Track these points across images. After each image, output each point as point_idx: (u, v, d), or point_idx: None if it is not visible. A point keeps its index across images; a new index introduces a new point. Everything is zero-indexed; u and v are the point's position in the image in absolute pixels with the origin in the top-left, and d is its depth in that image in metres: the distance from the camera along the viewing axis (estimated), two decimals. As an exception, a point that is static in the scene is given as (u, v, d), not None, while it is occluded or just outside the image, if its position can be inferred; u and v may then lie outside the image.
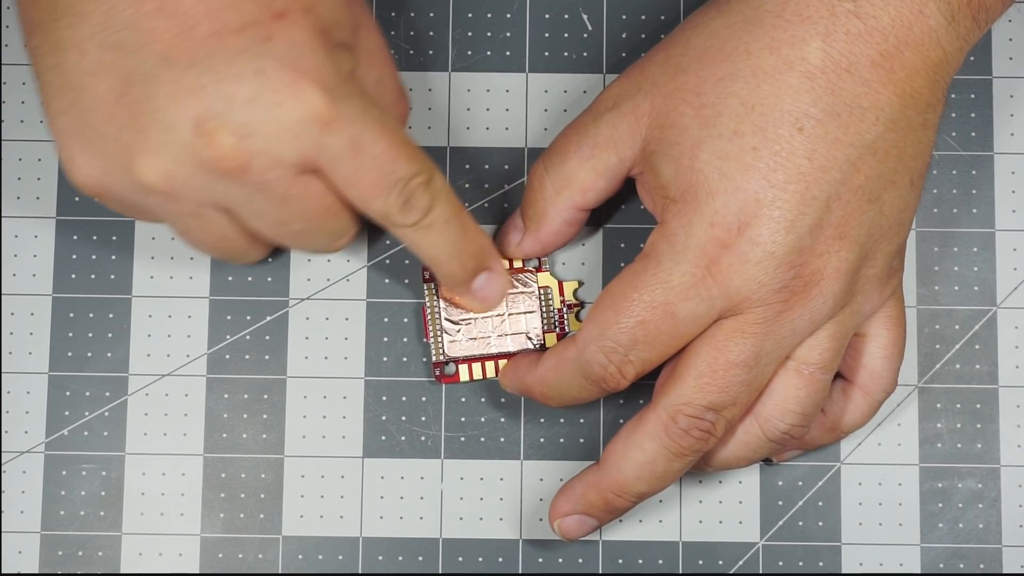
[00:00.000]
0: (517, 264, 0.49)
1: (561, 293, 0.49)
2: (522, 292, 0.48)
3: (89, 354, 0.50)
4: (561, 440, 0.50)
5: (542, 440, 0.49)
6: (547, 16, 0.50)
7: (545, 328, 0.49)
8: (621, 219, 0.48)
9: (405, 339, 0.49)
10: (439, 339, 0.49)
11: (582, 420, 0.49)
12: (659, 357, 0.43)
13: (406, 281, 0.50)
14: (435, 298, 0.49)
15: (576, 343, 0.44)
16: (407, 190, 0.41)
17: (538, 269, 0.49)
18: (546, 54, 0.50)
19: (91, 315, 0.50)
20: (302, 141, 0.39)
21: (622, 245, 0.50)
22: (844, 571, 0.49)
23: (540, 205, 0.46)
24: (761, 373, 0.43)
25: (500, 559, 0.49)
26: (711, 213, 0.41)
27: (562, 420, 0.50)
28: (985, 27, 0.43)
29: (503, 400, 0.49)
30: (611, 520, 0.46)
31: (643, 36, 0.50)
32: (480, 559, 0.49)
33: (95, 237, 0.50)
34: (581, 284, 0.50)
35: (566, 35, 0.50)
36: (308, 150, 0.39)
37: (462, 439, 0.49)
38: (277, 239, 0.43)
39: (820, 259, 0.41)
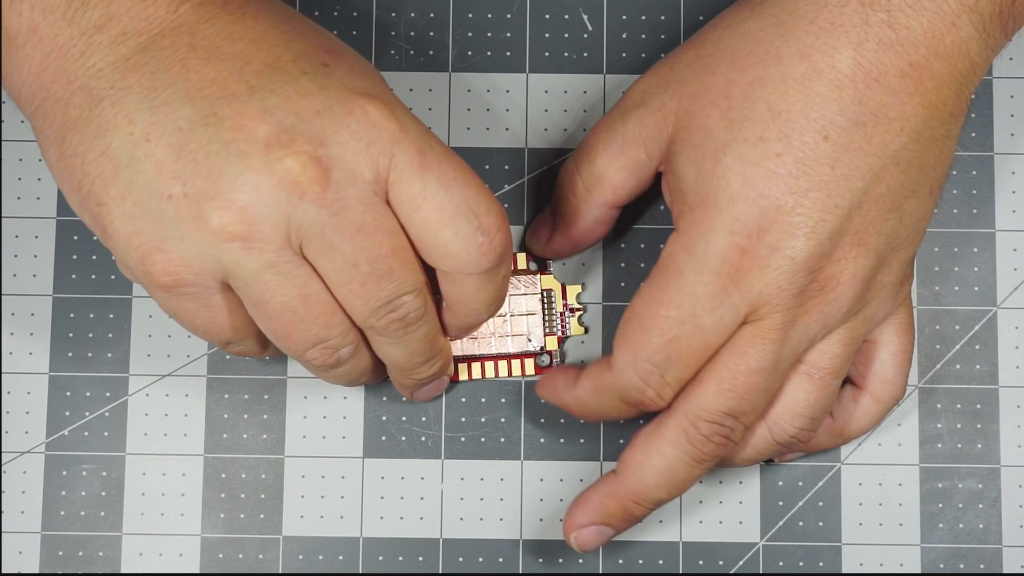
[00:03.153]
0: (521, 265, 0.49)
1: (564, 296, 0.49)
2: (525, 294, 0.48)
3: (89, 354, 0.50)
4: (561, 440, 0.50)
5: (542, 440, 0.49)
6: (547, 16, 0.50)
7: (546, 331, 0.49)
8: (621, 219, 0.48)
9: (405, 339, 0.49)
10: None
11: (582, 420, 0.49)
12: (693, 372, 0.43)
13: (406, 281, 0.50)
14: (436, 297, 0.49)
15: (612, 368, 0.43)
16: (482, 226, 0.40)
17: (542, 272, 0.49)
18: (546, 54, 0.50)
19: (91, 315, 0.50)
20: (374, 151, 0.38)
21: (622, 245, 0.50)
22: (844, 571, 0.49)
23: (572, 203, 0.46)
24: (777, 378, 0.43)
25: (500, 559, 0.49)
26: (731, 220, 0.41)
27: (562, 421, 0.50)
28: (1012, 36, 0.42)
29: (503, 400, 0.49)
30: (626, 528, 0.46)
31: (643, 36, 0.50)
32: (480, 559, 0.49)
33: (95, 237, 0.50)
34: (584, 288, 0.49)
35: (566, 35, 0.50)
36: (381, 162, 0.38)
37: (462, 439, 0.49)
38: (344, 297, 0.40)
39: (837, 265, 0.41)
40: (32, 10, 0.39)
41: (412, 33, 0.50)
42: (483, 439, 0.49)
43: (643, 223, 0.50)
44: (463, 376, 0.49)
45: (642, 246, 0.50)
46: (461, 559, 0.49)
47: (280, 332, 0.40)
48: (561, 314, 0.49)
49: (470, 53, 0.50)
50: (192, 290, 0.39)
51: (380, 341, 0.42)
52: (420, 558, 0.49)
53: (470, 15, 0.50)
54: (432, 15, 0.50)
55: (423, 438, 0.49)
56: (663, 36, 0.50)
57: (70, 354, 0.50)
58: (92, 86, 0.38)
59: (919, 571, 0.49)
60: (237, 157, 0.37)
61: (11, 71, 0.40)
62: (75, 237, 0.50)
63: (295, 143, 0.37)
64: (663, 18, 0.50)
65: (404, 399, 0.49)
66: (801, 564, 0.49)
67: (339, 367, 0.42)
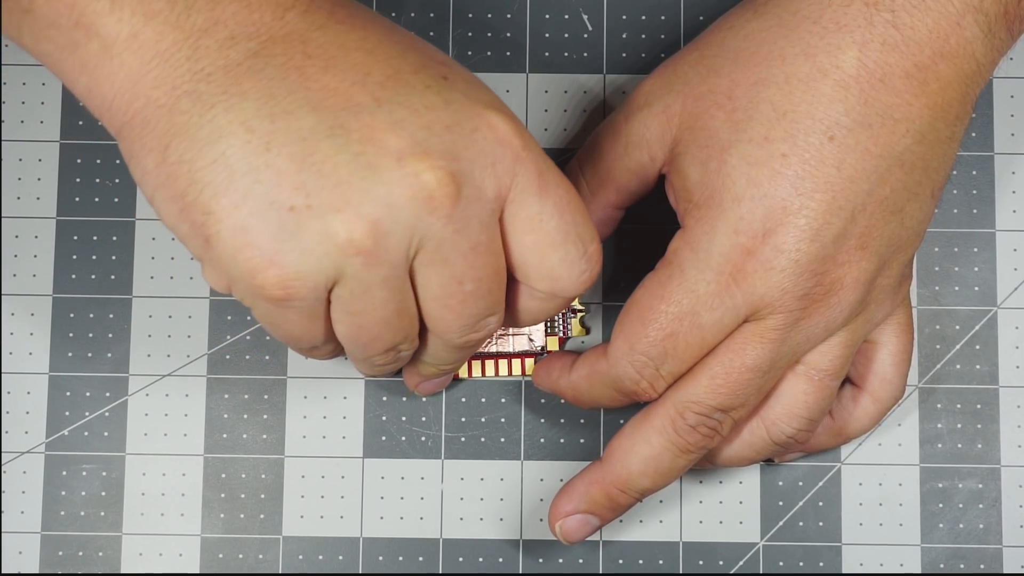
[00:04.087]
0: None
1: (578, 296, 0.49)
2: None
3: (89, 354, 0.50)
4: (561, 440, 0.50)
5: (542, 440, 0.49)
6: (547, 16, 0.50)
7: (547, 331, 0.49)
8: (622, 219, 0.48)
9: (405, 339, 0.49)
10: (439, 339, 0.49)
11: (582, 420, 0.49)
12: (688, 367, 0.43)
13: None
14: None
15: (607, 357, 0.44)
16: (587, 254, 0.40)
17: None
18: (546, 54, 0.50)
19: (91, 315, 0.50)
20: (499, 169, 0.38)
21: (622, 244, 0.50)
22: (844, 571, 0.49)
23: None
24: (772, 377, 0.43)
25: (500, 559, 0.49)
26: (736, 219, 0.41)
27: (562, 420, 0.50)
28: (1018, 37, 0.42)
29: (503, 400, 0.49)
30: (612, 519, 0.46)
31: (643, 36, 0.50)
32: (480, 559, 0.49)
33: (95, 237, 0.50)
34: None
35: (566, 35, 0.50)
36: (504, 180, 0.38)
37: (462, 439, 0.49)
38: (438, 311, 0.39)
39: (841, 268, 0.41)
40: (133, 15, 0.37)
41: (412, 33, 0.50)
42: (483, 439, 0.49)
43: (644, 223, 0.50)
44: (463, 374, 0.49)
45: (643, 246, 0.50)
46: (461, 559, 0.49)
47: (364, 340, 0.40)
48: (563, 314, 0.49)
49: (470, 53, 0.50)
50: (302, 303, 0.38)
51: (441, 347, 0.42)
52: (420, 558, 0.49)
53: (470, 15, 0.50)
54: (432, 15, 0.50)
55: (423, 438, 0.49)
56: (663, 36, 0.50)
57: (70, 354, 0.50)
58: (201, 91, 0.37)
59: (919, 571, 0.49)
60: (368, 169, 0.36)
61: (102, 82, 0.38)
62: (75, 237, 0.50)
63: (430, 156, 0.36)
64: (663, 18, 0.50)
65: (404, 398, 0.49)
66: (801, 564, 0.49)
67: (392, 365, 0.42)
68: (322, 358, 0.43)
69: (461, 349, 0.42)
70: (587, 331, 0.49)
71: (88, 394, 0.49)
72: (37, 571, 0.49)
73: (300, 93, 0.37)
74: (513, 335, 0.49)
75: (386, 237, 0.36)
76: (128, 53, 0.37)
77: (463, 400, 0.49)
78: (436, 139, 0.37)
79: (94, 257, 0.50)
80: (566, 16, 0.50)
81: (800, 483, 0.49)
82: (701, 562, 0.49)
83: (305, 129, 0.36)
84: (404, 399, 0.49)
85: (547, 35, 0.50)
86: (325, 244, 0.36)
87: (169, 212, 0.38)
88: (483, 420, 0.49)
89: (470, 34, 0.50)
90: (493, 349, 0.49)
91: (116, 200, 0.50)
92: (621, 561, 0.49)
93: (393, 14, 0.50)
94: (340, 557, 0.49)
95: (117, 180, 0.50)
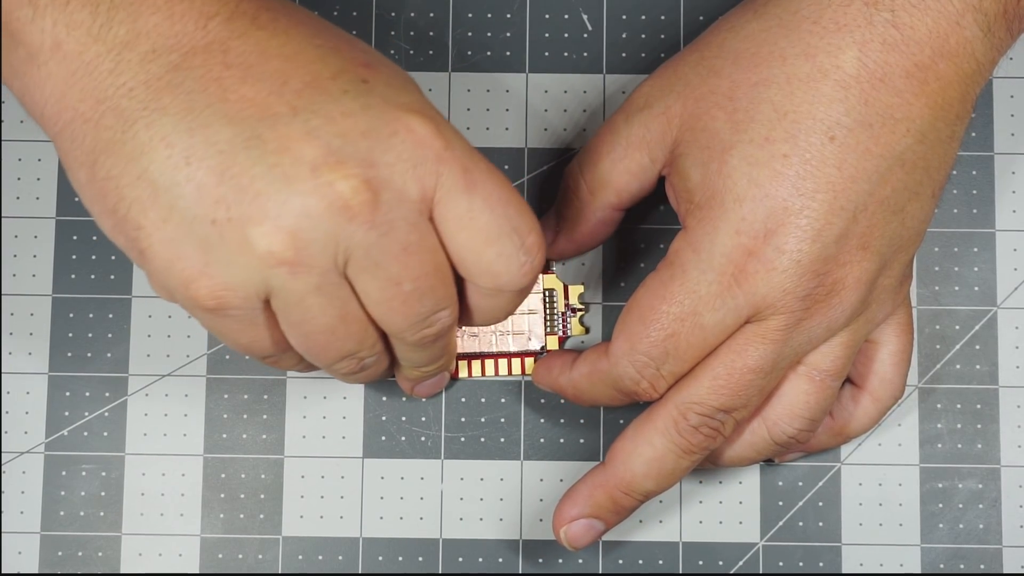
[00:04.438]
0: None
1: (566, 296, 0.49)
2: (521, 303, 0.48)
3: (89, 354, 0.50)
4: (561, 440, 0.50)
5: (542, 440, 0.49)
6: (547, 16, 0.50)
7: (547, 330, 0.49)
8: (623, 219, 0.48)
9: (405, 339, 0.49)
10: (439, 339, 0.49)
11: (582, 420, 0.49)
12: (689, 368, 0.43)
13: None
14: None
15: (608, 356, 0.44)
16: (525, 246, 0.40)
17: (545, 271, 0.49)
18: (546, 54, 0.50)
19: (91, 315, 0.50)
20: (420, 171, 0.37)
21: (623, 245, 0.50)
22: (844, 571, 0.49)
23: (576, 206, 0.46)
24: (775, 378, 0.43)
25: (500, 559, 0.49)
26: (737, 220, 0.41)
27: (562, 420, 0.50)
28: (1018, 36, 0.42)
29: (503, 400, 0.49)
30: (617, 523, 0.46)
31: (643, 36, 0.50)
32: (480, 559, 0.49)
33: (95, 237, 0.50)
34: (586, 288, 0.49)
35: (566, 35, 0.50)
36: (427, 181, 0.38)
37: (462, 439, 0.49)
38: (383, 314, 0.39)
39: (843, 269, 0.41)
40: (55, 26, 0.37)
41: (412, 33, 0.50)
42: (483, 439, 0.49)
43: (645, 223, 0.50)
44: (463, 373, 0.49)
45: (643, 246, 0.50)
46: (461, 559, 0.49)
47: (315, 349, 0.40)
48: (563, 314, 0.49)
49: (470, 53, 0.50)
50: (237, 312, 0.38)
51: (404, 348, 0.42)
52: (420, 558, 0.49)
53: (470, 15, 0.50)
54: (432, 15, 0.50)
55: (423, 438, 0.49)
56: (663, 36, 0.50)
57: (70, 354, 0.50)
58: (124, 106, 0.37)
59: (919, 571, 0.49)
60: (283, 181, 0.36)
61: (33, 89, 0.38)
62: (75, 237, 0.50)
63: (344, 165, 0.36)
64: (663, 18, 0.51)
65: (404, 398, 0.49)
66: (801, 564, 0.49)
67: (362, 372, 0.42)
68: (290, 369, 0.43)
69: (423, 347, 0.41)
70: (587, 330, 0.49)
71: (88, 394, 0.49)
72: (37, 571, 0.49)
73: (218, 105, 0.36)
74: (513, 335, 0.49)
75: (307, 247, 0.37)
76: (53, 63, 0.37)
77: (463, 400, 0.49)
78: (351, 147, 0.37)
79: (94, 257, 0.50)
80: (566, 16, 0.50)
81: (800, 483, 0.49)
82: (701, 562, 0.49)
83: (223, 142, 0.36)
84: (404, 399, 0.49)
85: (547, 35, 0.50)
86: (247, 256, 0.37)
87: (105, 225, 0.38)
88: (483, 420, 0.49)
89: (470, 34, 0.50)
90: (493, 349, 0.49)
91: (116, 200, 0.50)
92: (621, 561, 0.49)
93: (392, 14, 0.50)
94: (340, 557, 0.49)
95: (117, 180, 0.50)
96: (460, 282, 0.41)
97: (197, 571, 0.49)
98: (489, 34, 0.50)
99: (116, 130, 0.37)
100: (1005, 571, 0.49)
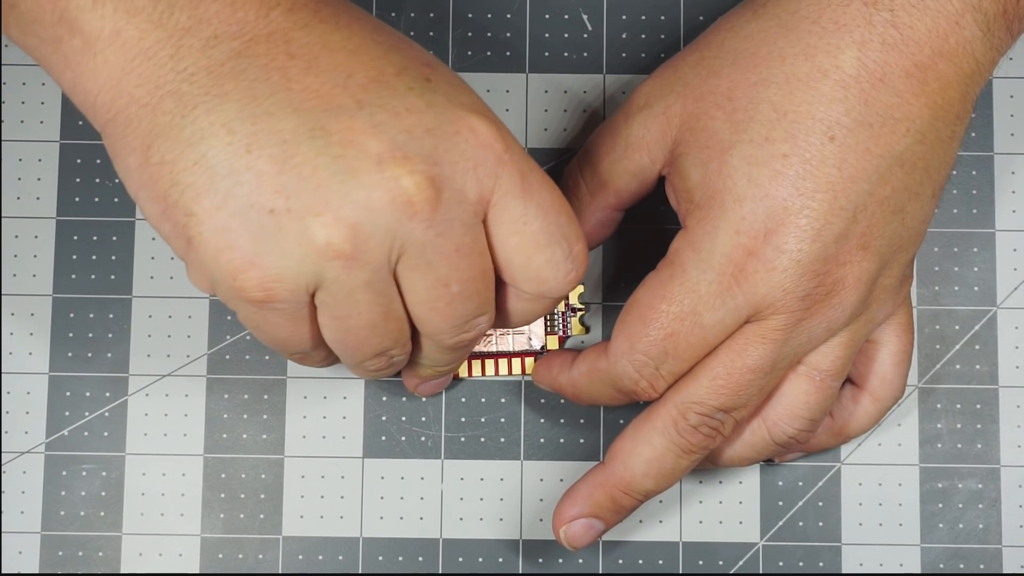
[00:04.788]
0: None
1: (566, 296, 0.49)
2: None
3: (89, 354, 0.50)
4: (561, 440, 0.50)
5: (542, 440, 0.49)
6: (547, 16, 0.50)
7: (547, 330, 0.49)
8: (622, 219, 0.48)
9: (405, 339, 0.49)
10: (439, 339, 0.49)
11: (582, 420, 0.49)
12: (688, 368, 0.43)
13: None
14: None
15: (607, 355, 0.44)
16: (572, 254, 0.40)
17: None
18: (546, 54, 0.50)
19: (91, 315, 0.50)
20: (481, 172, 0.38)
21: (623, 244, 0.50)
22: (844, 571, 0.49)
23: (575, 206, 0.46)
24: (774, 378, 0.43)
25: (500, 559, 0.49)
26: (737, 220, 0.41)
27: (562, 420, 0.50)
28: (1017, 36, 0.42)
29: (503, 400, 0.49)
30: (616, 523, 0.46)
31: (643, 36, 0.50)
32: (480, 559, 0.49)
33: (95, 237, 0.50)
34: (586, 288, 0.50)
35: (566, 35, 0.50)
36: (486, 183, 0.38)
37: (462, 439, 0.49)
38: (426, 314, 0.39)
39: (842, 269, 0.41)
40: (116, 12, 0.37)
41: (412, 33, 0.50)
42: (483, 439, 0.49)
43: (644, 223, 0.50)
44: (463, 373, 0.49)
45: (643, 246, 0.50)
46: (461, 559, 0.49)
47: (352, 344, 0.40)
48: (563, 313, 0.49)
49: (470, 53, 0.50)
50: (283, 306, 0.38)
51: (435, 349, 0.42)
52: (420, 558, 0.49)
53: (470, 15, 0.50)
54: (432, 15, 0.50)
55: (423, 438, 0.49)
56: (663, 36, 0.50)
57: (70, 354, 0.50)
58: (184, 91, 0.36)
59: (919, 571, 0.49)
60: (347, 173, 0.36)
61: (86, 78, 0.38)
62: (75, 237, 0.50)
63: (410, 161, 0.36)
64: (663, 18, 0.51)
65: (404, 398, 0.49)
66: (801, 564, 0.49)
67: (387, 370, 0.42)
68: (315, 365, 0.43)
69: (454, 350, 0.42)
70: (587, 330, 0.49)
71: (88, 394, 0.49)
72: (37, 571, 0.49)
73: (282, 94, 0.36)
74: (513, 335, 0.49)
75: (366, 241, 0.36)
76: (111, 50, 0.37)
77: (463, 400, 0.49)
78: (416, 143, 0.37)
79: (94, 257, 0.50)
80: (566, 16, 0.50)
81: (800, 483, 0.49)
82: (701, 562, 0.49)
83: (286, 131, 0.36)
84: (404, 399, 0.49)
85: (547, 35, 0.50)
86: (304, 247, 0.36)
87: (152, 212, 0.38)
88: (483, 420, 0.49)
89: (470, 34, 0.50)
90: (493, 349, 0.49)
91: (116, 200, 0.50)
92: (621, 561, 0.49)
93: (392, 14, 0.50)
94: (340, 557, 0.49)
95: (117, 180, 0.50)
96: (498, 285, 0.41)
97: (197, 571, 0.49)
98: (489, 34, 0.50)
99: (175, 115, 0.37)
100: (1005, 571, 0.49)
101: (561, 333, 0.49)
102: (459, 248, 0.38)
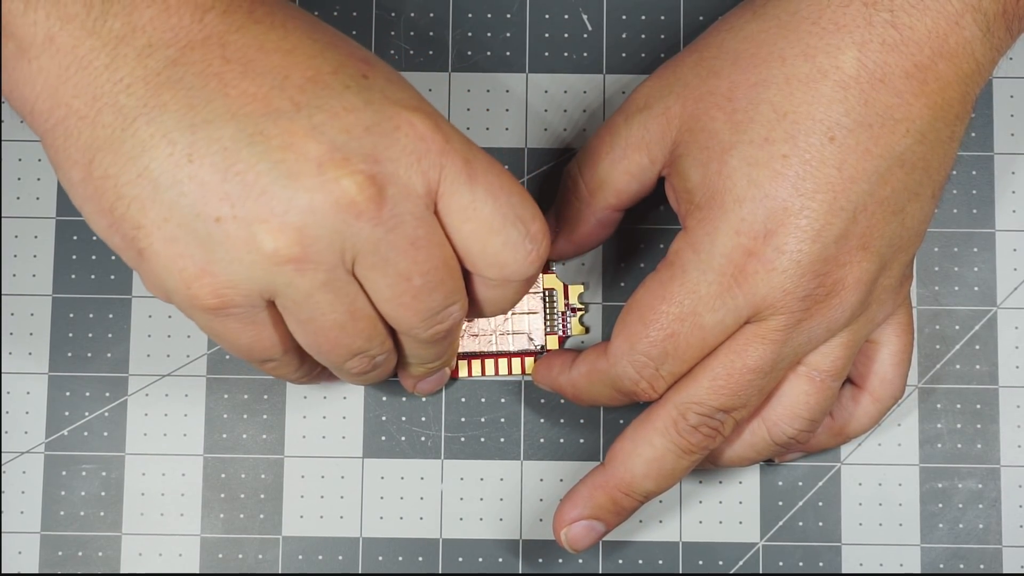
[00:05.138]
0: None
1: (566, 296, 0.49)
2: (527, 293, 0.48)
3: (89, 354, 0.50)
4: (561, 440, 0.50)
5: (542, 440, 0.49)
6: (547, 16, 0.50)
7: (547, 330, 0.49)
8: (623, 219, 0.48)
9: (405, 339, 0.49)
10: (439, 339, 0.49)
11: (582, 420, 0.49)
12: (688, 368, 0.43)
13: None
14: None
15: (607, 356, 0.44)
16: (530, 234, 0.40)
17: (545, 271, 0.49)
18: (546, 54, 0.50)
19: (91, 315, 0.50)
20: (424, 164, 0.38)
21: (622, 244, 0.50)
22: (844, 571, 0.49)
23: (575, 207, 0.46)
24: (774, 378, 0.43)
25: (500, 559, 0.49)
26: (737, 220, 0.41)
27: (562, 420, 0.50)
28: (1017, 37, 0.42)
29: (503, 400, 0.49)
30: (617, 524, 0.45)
31: (643, 36, 0.50)
32: (480, 559, 0.49)
33: (95, 237, 0.50)
34: (586, 287, 0.50)
35: (566, 35, 0.50)
36: (431, 174, 0.38)
37: (462, 439, 0.49)
38: (394, 310, 0.39)
39: (842, 269, 0.41)
40: (48, 18, 0.36)
41: (412, 33, 0.50)
42: (483, 439, 0.49)
43: (644, 223, 0.50)
44: (463, 373, 0.49)
45: (642, 246, 0.50)
46: (461, 559, 0.49)
47: (325, 347, 0.40)
48: (563, 314, 0.49)
49: (470, 53, 0.50)
50: (239, 311, 0.38)
51: (414, 344, 0.42)
52: (420, 558, 0.49)
53: (470, 15, 0.50)
54: (432, 15, 0.50)
55: (423, 438, 0.49)
56: (663, 36, 0.50)
57: (70, 354, 0.50)
58: (122, 103, 0.36)
59: (919, 571, 0.49)
60: (289, 177, 0.36)
61: (22, 84, 0.37)
62: (75, 237, 0.50)
63: (349, 162, 0.36)
64: (663, 18, 0.51)
65: (404, 398, 0.49)
66: (801, 564, 0.49)
67: (373, 372, 0.42)
68: (292, 377, 0.43)
69: (434, 343, 0.42)
70: (587, 330, 0.49)
71: (88, 394, 0.49)
72: (37, 571, 0.49)
73: (219, 101, 0.36)
74: (513, 334, 0.49)
75: (314, 244, 0.37)
76: (45, 57, 0.37)
77: (463, 400, 0.49)
78: (356, 142, 0.37)
79: (94, 257, 0.50)
80: (566, 16, 0.50)
81: (800, 483, 0.49)
82: (701, 562, 0.49)
83: (226, 138, 0.36)
84: (403, 399, 0.49)
85: (547, 35, 0.50)
86: (253, 254, 0.36)
87: (99, 225, 0.38)
88: (483, 420, 0.49)
89: (470, 34, 0.50)
90: (493, 349, 0.49)
91: (116, 200, 0.50)
92: (621, 561, 0.49)
93: (392, 14, 0.50)
94: (340, 557, 0.49)
95: (117, 180, 0.50)
96: (467, 276, 0.41)
97: (197, 571, 0.49)
98: (489, 34, 0.50)
99: (115, 127, 0.37)
100: (1005, 571, 0.49)
101: (561, 333, 0.49)
102: (414, 241, 0.38)
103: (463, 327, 0.49)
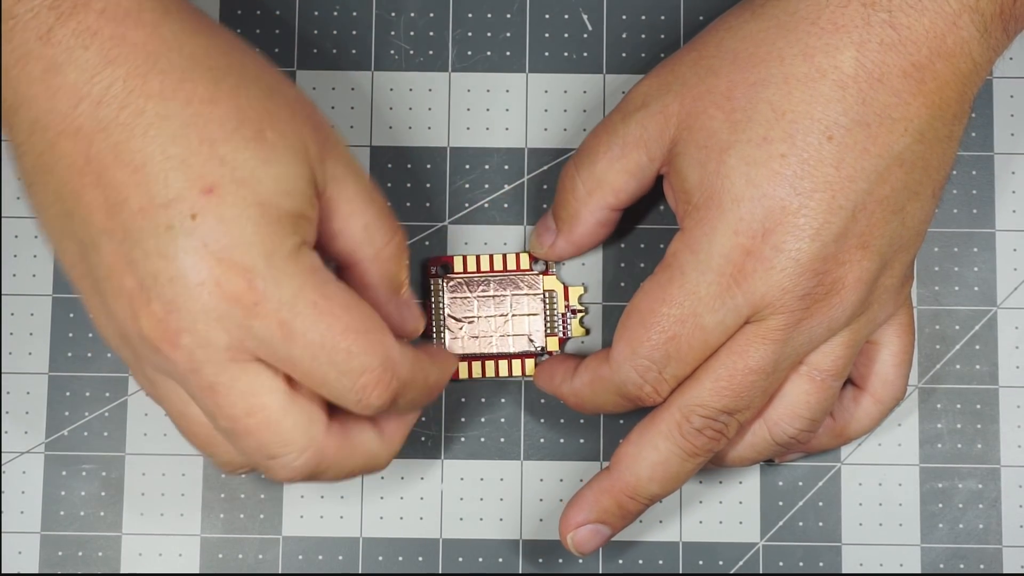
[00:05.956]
0: (524, 265, 0.49)
1: (566, 298, 0.49)
2: (527, 294, 0.48)
3: (89, 354, 0.50)
4: (561, 440, 0.50)
5: (542, 440, 0.49)
6: (547, 16, 0.50)
7: (547, 332, 0.49)
8: (622, 219, 0.48)
9: (405, 339, 0.49)
10: (441, 335, 0.49)
11: (582, 421, 0.49)
12: (691, 370, 0.43)
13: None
14: (439, 294, 0.49)
15: (610, 363, 0.43)
16: (357, 386, 0.39)
17: (544, 272, 0.49)
18: (546, 54, 0.50)
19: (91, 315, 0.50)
20: (227, 323, 0.37)
21: (622, 245, 0.50)
22: (844, 571, 0.49)
23: (573, 206, 0.46)
24: (776, 379, 0.43)
25: (500, 559, 0.49)
26: (735, 220, 0.41)
27: (562, 421, 0.50)
28: (1014, 37, 0.42)
29: (503, 400, 0.49)
30: (623, 528, 0.45)
31: (643, 36, 0.50)
32: (480, 559, 0.49)
33: (95, 237, 0.50)
34: (586, 289, 0.49)
35: (566, 35, 0.50)
36: (235, 333, 0.38)
37: (462, 439, 0.49)
38: (210, 444, 0.41)
39: (842, 268, 0.41)
40: None
41: (412, 33, 0.50)
42: (483, 439, 0.49)
43: (644, 223, 0.50)
44: (463, 374, 0.49)
45: (642, 246, 0.50)
46: (461, 559, 0.49)
47: (183, 431, 0.42)
48: (563, 315, 0.49)
49: (470, 53, 0.50)
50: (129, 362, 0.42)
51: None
52: (420, 558, 0.49)
53: (470, 15, 0.50)
54: (432, 15, 0.50)
55: (423, 438, 0.49)
56: (663, 36, 0.50)
57: (70, 354, 0.50)
58: (23, 166, 0.39)
59: (919, 571, 0.49)
60: (112, 294, 0.38)
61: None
62: (75, 237, 0.50)
63: (150, 304, 0.38)
64: (663, 18, 0.50)
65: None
66: (801, 564, 0.49)
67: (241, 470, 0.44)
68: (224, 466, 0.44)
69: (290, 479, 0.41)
70: (587, 332, 0.49)
71: (88, 394, 0.49)
72: (37, 571, 0.49)
73: (75, 201, 0.38)
74: (513, 335, 0.49)
75: (133, 352, 0.40)
76: None
77: (463, 400, 0.49)
78: (159, 288, 0.37)
79: (94, 257, 0.50)
80: (566, 16, 0.50)
81: (800, 483, 0.49)
82: (701, 562, 0.49)
83: (78, 236, 0.39)
84: (404, 399, 0.49)
85: (547, 35, 0.50)
86: (104, 332, 0.41)
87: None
88: (483, 420, 0.49)
89: (470, 34, 0.50)
90: (493, 350, 0.49)
91: (116, 200, 0.50)
92: (621, 561, 0.49)
93: (392, 14, 0.50)
94: (340, 557, 0.49)
95: (117, 180, 0.50)
96: None
97: (197, 571, 0.49)
98: (489, 34, 0.50)
99: (25, 180, 0.40)
100: (1005, 571, 0.49)
101: (561, 334, 0.49)
102: (212, 386, 0.38)
103: (462, 328, 0.49)
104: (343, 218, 0.41)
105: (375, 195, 0.42)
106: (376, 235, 0.42)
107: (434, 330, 0.49)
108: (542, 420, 0.50)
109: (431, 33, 0.50)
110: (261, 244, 0.38)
